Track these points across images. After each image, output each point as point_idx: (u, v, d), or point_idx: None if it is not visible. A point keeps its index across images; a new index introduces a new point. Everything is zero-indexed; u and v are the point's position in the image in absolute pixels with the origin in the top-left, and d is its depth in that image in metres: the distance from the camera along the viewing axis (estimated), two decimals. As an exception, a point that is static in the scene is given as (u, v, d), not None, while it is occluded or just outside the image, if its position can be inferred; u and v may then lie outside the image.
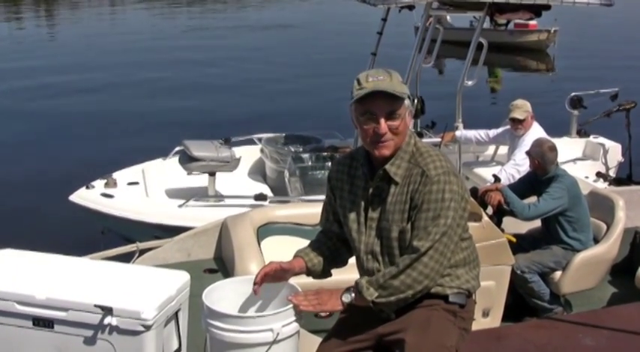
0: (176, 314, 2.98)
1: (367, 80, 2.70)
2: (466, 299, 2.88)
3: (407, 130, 2.80)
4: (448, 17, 21.74)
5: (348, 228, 2.92)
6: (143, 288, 2.93)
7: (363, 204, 2.87)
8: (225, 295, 2.93)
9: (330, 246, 3.05)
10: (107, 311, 2.76)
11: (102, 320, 2.77)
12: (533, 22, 23.39)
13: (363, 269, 2.91)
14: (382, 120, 2.70)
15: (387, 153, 2.76)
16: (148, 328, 2.77)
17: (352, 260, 3.03)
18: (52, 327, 2.86)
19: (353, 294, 2.75)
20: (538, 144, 5.41)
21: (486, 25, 19.99)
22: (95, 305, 2.76)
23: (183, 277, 3.07)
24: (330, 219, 3.07)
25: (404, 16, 8.32)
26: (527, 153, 5.49)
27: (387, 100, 2.69)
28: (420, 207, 2.70)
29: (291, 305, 2.75)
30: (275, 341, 2.68)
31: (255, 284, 2.88)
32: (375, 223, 2.84)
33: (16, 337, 2.91)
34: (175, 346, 3.02)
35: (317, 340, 3.03)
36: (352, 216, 2.90)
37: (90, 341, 2.83)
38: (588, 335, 3.94)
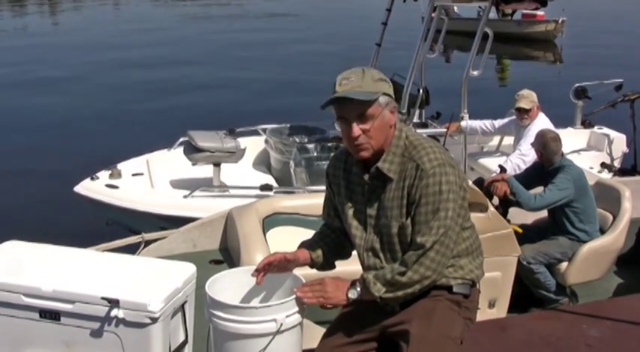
0: (183, 306, 2.98)
1: (340, 84, 2.68)
2: (470, 289, 2.88)
3: (389, 127, 2.74)
4: (455, 7, 21.72)
5: (348, 225, 2.91)
6: (150, 280, 2.92)
7: (360, 200, 2.86)
8: (229, 285, 2.92)
9: (334, 238, 3.05)
10: (114, 303, 2.75)
11: (108, 312, 2.77)
12: (540, 13, 23.35)
13: (364, 265, 2.90)
14: (354, 125, 2.67)
15: (365, 155, 2.73)
16: (154, 320, 2.77)
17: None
18: (59, 319, 2.86)
19: (359, 289, 2.73)
20: (540, 135, 5.41)
21: (493, 15, 19.93)
22: (102, 298, 2.76)
23: (189, 269, 3.06)
24: (332, 214, 3.06)
25: (410, 6, 8.29)
26: (532, 145, 5.48)
27: (356, 104, 2.65)
28: (418, 201, 2.68)
29: (294, 296, 2.74)
30: (278, 332, 2.67)
31: (256, 270, 2.87)
32: (374, 220, 2.82)
33: (23, 329, 2.91)
34: (182, 338, 3.02)
35: (321, 330, 3.04)
36: (351, 212, 2.89)
37: (96, 334, 2.82)
38: (593, 326, 3.95)
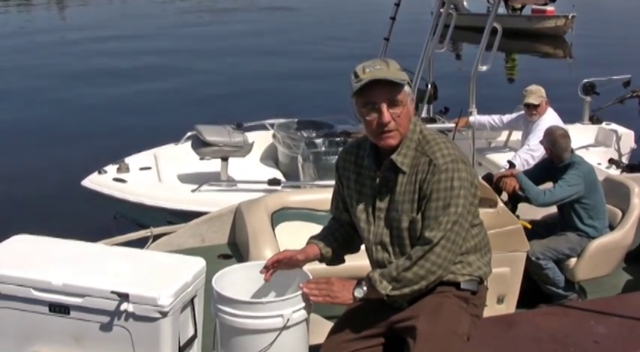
0: (192, 300, 2.97)
1: (364, 71, 2.68)
2: (478, 285, 2.88)
3: (410, 117, 2.76)
4: (465, 2, 21.70)
5: (357, 218, 2.91)
6: (159, 274, 2.91)
7: (370, 194, 2.86)
8: (236, 280, 2.92)
9: (343, 232, 3.05)
10: (124, 297, 2.74)
11: (118, 306, 2.76)
12: (550, 8, 23.29)
13: (372, 259, 2.90)
14: (384, 109, 2.67)
15: (393, 142, 2.73)
16: (164, 315, 2.76)
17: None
18: (68, 313, 2.85)
19: (365, 288, 2.73)
20: (549, 132, 5.39)
21: (502, 10, 19.85)
22: (112, 292, 2.75)
23: (199, 263, 3.04)
24: (340, 207, 3.06)
25: (419, 1, 8.28)
26: (541, 142, 5.46)
27: (386, 88, 2.66)
28: (429, 196, 2.69)
29: (301, 291, 2.75)
30: (285, 327, 2.67)
31: (265, 268, 2.89)
32: (384, 213, 2.82)
33: (33, 323, 2.91)
34: (191, 332, 3.02)
35: (328, 325, 3.03)
36: (360, 206, 2.89)
37: (106, 328, 2.82)
38: (600, 323, 3.93)
